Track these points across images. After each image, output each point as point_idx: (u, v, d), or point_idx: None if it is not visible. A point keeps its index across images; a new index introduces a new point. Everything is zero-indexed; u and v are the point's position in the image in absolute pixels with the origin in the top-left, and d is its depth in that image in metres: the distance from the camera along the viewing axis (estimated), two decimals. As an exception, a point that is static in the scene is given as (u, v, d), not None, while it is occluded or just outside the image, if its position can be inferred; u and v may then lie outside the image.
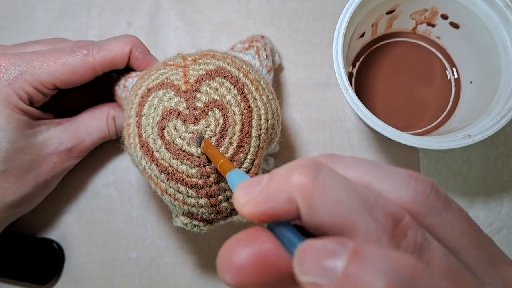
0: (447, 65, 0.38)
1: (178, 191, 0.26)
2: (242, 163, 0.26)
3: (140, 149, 0.27)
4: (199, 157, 0.26)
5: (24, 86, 0.30)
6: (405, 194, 0.15)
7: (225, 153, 0.26)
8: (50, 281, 0.35)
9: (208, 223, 0.28)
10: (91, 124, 0.33)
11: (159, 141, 0.26)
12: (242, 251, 0.14)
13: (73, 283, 0.36)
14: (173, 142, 0.26)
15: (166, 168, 0.26)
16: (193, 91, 0.26)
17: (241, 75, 0.28)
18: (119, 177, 0.37)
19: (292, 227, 0.15)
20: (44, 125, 0.32)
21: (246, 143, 0.26)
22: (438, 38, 0.38)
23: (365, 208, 0.14)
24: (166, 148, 0.26)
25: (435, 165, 0.37)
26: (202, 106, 0.26)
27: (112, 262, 0.36)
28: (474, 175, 0.37)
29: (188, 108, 0.26)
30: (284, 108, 0.38)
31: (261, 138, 0.27)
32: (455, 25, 0.36)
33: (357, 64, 0.38)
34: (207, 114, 0.26)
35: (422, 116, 0.37)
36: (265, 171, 0.31)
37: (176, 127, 0.26)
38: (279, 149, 0.37)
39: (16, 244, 0.35)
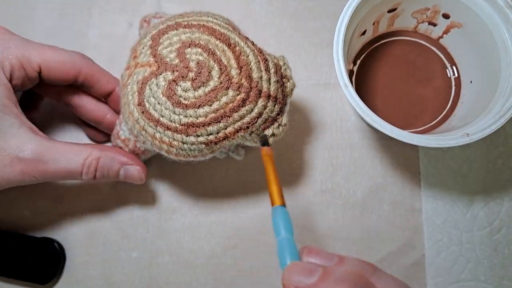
0: (448, 64, 0.38)
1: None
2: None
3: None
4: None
5: (11, 57, 0.30)
6: None
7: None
8: (51, 280, 0.35)
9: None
10: (65, 153, 0.30)
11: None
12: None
13: (74, 283, 0.36)
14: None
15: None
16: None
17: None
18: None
19: None
20: (17, 119, 0.29)
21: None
22: (439, 37, 0.38)
23: None
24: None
25: (435, 165, 0.37)
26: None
27: (113, 261, 0.36)
28: (474, 175, 0.37)
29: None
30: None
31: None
32: (456, 25, 0.36)
33: (358, 62, 0.38)
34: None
35: (422, 115, 0.37)
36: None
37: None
38: (280, 150, 0.37)
39: (17, 243, 0.35)
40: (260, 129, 0.29)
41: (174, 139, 0.29)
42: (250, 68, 0.29)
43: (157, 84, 0.28)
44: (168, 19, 0.31)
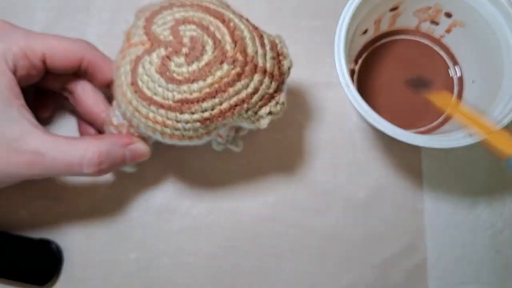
0: (450, 64, 0.38)
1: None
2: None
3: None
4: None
5: (14, 47, 0.29)
6: None
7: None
8: (49, 281, 0.35)
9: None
10: (63, 145, 0.29)
11: None
12: None
13: (72, 284, 0.36)
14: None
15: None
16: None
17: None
18: (118, 178, 0.37)
19: None
20: (18, 111, 0.28)
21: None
22: (442, 36, 0.38)
23: None
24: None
25: (438, 165, 0.37)
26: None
27: (112, 263, 0.36)
28: (476, 176, 0.37)
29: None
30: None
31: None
32: (458, 23, 0.35)
33: (360, 61, 0.38)
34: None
35: (424, 115, 0.37)
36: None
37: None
38: (280, 150, 0.37)
39: (15, 245, 0.35)
40: (257, 106, 0.28)
41: (168, 118, 0.28)
42: (245, 43, 0.28)
43: (150, 62, 0.27)
44: (161, 1, 0.30)
